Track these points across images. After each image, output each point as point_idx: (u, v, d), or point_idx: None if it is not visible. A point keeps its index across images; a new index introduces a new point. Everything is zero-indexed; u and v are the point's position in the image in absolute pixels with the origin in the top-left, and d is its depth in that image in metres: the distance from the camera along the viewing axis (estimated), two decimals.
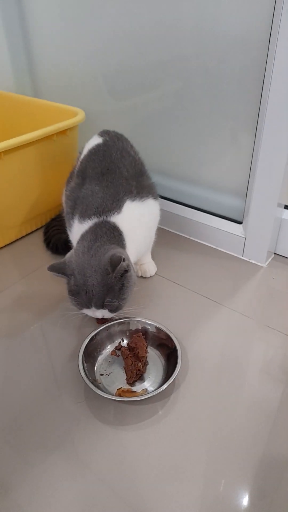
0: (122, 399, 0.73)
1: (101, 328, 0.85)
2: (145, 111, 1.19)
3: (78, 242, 0.86)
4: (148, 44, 1.08)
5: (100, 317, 0.84)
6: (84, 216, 0.88)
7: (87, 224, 0.87)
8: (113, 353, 0.84)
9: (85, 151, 0.99)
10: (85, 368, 0.77)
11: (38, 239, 1.21)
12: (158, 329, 0.85)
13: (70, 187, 0.97)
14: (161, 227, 1.25)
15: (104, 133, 1.00)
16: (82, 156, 0.99)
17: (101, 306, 0.80)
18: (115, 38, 1.13)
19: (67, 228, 0.97)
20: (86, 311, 0.83)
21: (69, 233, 0.96)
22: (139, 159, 1.00)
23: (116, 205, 0.87)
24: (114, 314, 0.84)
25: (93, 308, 0.81)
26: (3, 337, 0.89)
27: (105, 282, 0.79)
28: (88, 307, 0.81)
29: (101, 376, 0.79)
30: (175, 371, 0.76)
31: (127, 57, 1.13)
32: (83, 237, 0.85)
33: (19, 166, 1.09)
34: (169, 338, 0.83)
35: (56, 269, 0.81)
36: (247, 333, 0.90)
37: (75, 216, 0.91)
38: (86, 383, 0.74)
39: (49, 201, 1.22)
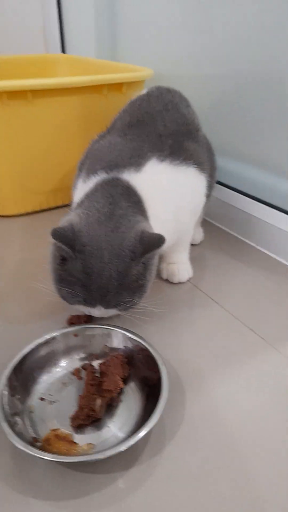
0: (44, 457, 0.43)
1: (66, 330, 0.57)
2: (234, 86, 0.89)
3: (83, 203, 0.60)
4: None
5: (102, 316, 0.58)
6: (89, 173, 0.64)
7: (92, 182, 0.62)
8: (76, 372, 0.55)
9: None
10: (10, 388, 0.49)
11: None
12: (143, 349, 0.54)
13: (91, 141, 0.74)
14: (218, 225, 0.95)
15: (154, 87, 0.77)
16: None
17: (115, 305, 0.55)
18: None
19: (72, 190, 0.73)
20: (84, 307, 0.57)
21: (72, 196, 0.72)
22: (194, 121, 0.73)
23: (135, 161, 0.61)
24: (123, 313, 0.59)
25: (99, 307, 0.55)
26: None
27: (128, 272, 0.53)
28: (94, 305, 0.55)
29: (39, 402, 0.51)
30: (149, 421, 0.45)
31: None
32: (90, 197, 0.60)
33: (54, 117, 0.88)
34: (154, 362, 0.52)
35: (63, 238, 0.53)
36: None
37: (81, 174, 0.67)
38: None
39: None
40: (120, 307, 0.56)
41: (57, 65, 1.33)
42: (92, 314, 0.58)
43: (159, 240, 0.54)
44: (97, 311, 0.56)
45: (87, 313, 0.59)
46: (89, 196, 0.60)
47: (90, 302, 0.55)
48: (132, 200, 0.59)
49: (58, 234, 0.53)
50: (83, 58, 1.27)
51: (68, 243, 0.53)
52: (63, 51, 1.45)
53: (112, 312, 0.57)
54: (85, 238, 0.54)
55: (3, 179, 0.91)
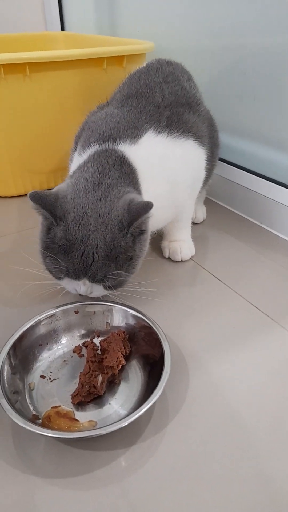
0: (44, 433, 0.42)
1: (66, 307, 0.56)
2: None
3: (74, 174, 0.58)
4: None
5: (87, 294, 0.55)
6: (84, 145, 0.62)
7: (86, 155, 0.60)
8: (76, 349, 0.54)
9: None
10: (11, 365, 0.48)
11: None
12: (143, 325, 0.53)
13: (89, 113, 0.72)
14: (220, 203, 0.93)
15: (154, 60, 0.75)
16: None
17: (101, 279, 0.52)
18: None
19: (68, 164, 0.71)
20: (68, 283, 0.55)
21: (68, 170, 0.70)
22: (195, 95, 0.71)
23: (131, 133, 0.59)
24: (110, 292, 0.55)
25: (85, 281, 0.53)
26: None
27: (116, 244, 0.51)
28: (78, 277, 0.53)
29: (40, 379, 0.50)
30: (152, 396, 0.44)
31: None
32: (81, 168, 0.58)
33: (53, 92, 0.86)
34: (156, 339, 0.50)
35: (41, 201, 0.52)
36: None
37: (77, 147, 0.65)
38: None
39: None
40: (107, 282, 0.53)
41: (56, 43, 1.29)
42: (78, 292, 0.55)
43: (146, 206, 0.51)
44: (82, 286, 0.54)
45: (74, 292, 0.56)
46: (81, 167, 0.59)
47: (74, 272, 0.52)
48: (124, 171, 0.57)
49: (35, 196, 0.51)
50: (82, 35, 1.23)
51: (47, 208, 0.52)
52: (63, 28, 1.41)
53: (99, 290, 0.54)
54: (69, 204, 0.53)
55: (1, 159, 0.89)
